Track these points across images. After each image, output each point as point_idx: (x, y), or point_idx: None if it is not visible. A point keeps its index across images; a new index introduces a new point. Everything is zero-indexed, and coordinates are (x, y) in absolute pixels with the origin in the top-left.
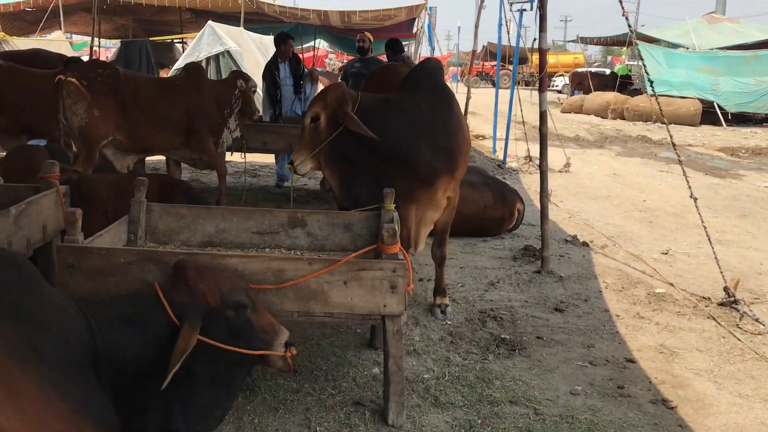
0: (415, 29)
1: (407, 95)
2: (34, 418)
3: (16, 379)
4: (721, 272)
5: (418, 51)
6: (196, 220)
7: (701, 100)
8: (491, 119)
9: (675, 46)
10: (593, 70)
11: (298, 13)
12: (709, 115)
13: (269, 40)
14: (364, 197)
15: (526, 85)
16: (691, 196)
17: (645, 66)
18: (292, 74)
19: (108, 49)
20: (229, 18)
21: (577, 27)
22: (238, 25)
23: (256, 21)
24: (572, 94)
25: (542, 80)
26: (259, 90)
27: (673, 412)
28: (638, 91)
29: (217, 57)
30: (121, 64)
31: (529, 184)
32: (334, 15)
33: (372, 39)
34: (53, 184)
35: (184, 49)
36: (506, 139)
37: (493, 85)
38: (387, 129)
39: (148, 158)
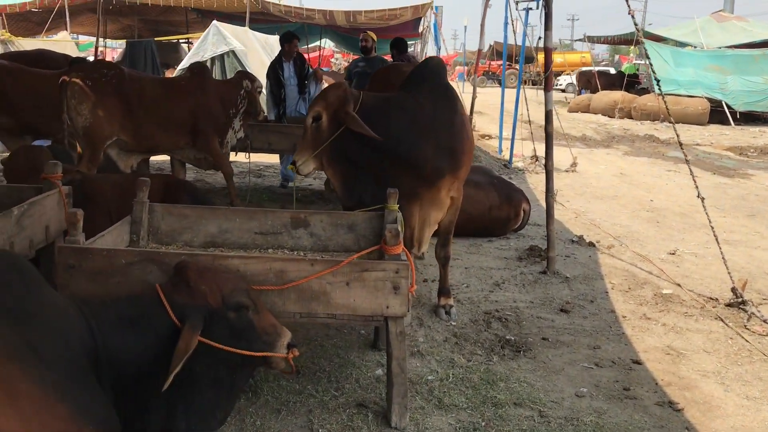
0: (420, 29)
1: (409, 94)
2: (34, 419)
3: (17, 380)
4: (729, 273)
5: (424, 50)
6: (199, 221)
7: (709, 99)
8: (497, 119)
9: (683, 44)
10: (600, 69)
11: (303, 12)
12: (717, 114)
13: (274, 39)
14: (367, 197)
15: (533, 84)
16: (698, 196)
17: (652, 65)
18: (297, 74)
19: (114, 50)
20: (234, 18)
21: (584, 26)
22: (244, 25)
23: (262, 21)
24: (579, 93)
25: (548, 79)
26: (264, 89)
27: (680, 415)
28: (646, 90)
29: (222, 57)
30: (127, 64)
31: (535, 183)
32: (340, 15)
33: (375, 38)
34: (56, 184)
35: (189, 49)
36: (512, 139)
37: (500, 84)
38: (389, 128)
39: (153, 158)
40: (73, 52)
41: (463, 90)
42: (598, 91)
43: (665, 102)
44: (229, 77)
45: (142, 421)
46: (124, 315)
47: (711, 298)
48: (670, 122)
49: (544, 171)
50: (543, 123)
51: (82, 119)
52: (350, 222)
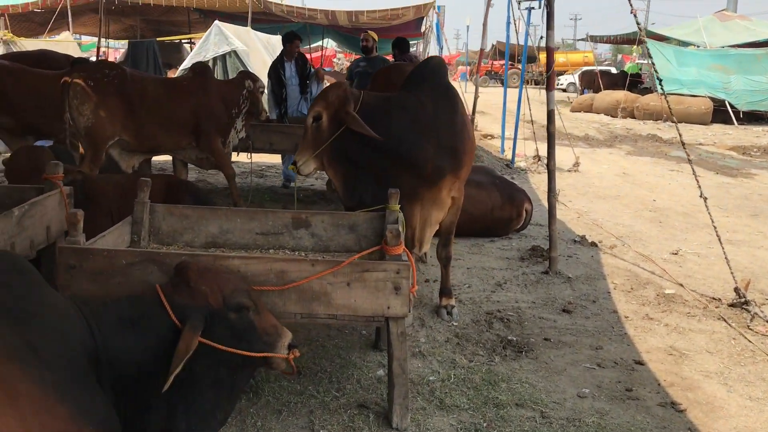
0: (423, 28)
1: (410, 94)
2: (34, 419)
3: (16, 381)
4: (732, 272)
5: (426, 50)
6: (200, 221)
7: (712, 99)
8: (500, 118)
9: (686, 44)
10: (601, 68)
11: (305, 12)
12: (720, 113)
13: (277, 39)
14: (368, 197)
15: (536, 84)
16: (701, 196)
17: (654, 64)
18: (298, 73)
19: (117, 50)
20: (236, 18)
21: (587, 25)
22: (246, 25)
23: (264, 21)
24: (582, 92)
25: (550, 79)
26: (266, 89)
27: (683, 415)
28: (649, 90)
29: (223, 57)
30: (129, 64)
31: (537, 183)
32: (342, 15)
33: (376, 38)
34: (57, 185)
35: (191, 49)
36: (515, 139)
37: (502, 84)
38: (390, 128)
39: (155, 159)
40: (76, 53)
41: (465, 90)
42: (601, 90)
43: (667, 101)
44: (231, 77)
45: (143, 421)
46: (124, 315)
47: (714, 299)
48: (672, 122)
49: (546, 171)
50: (545, 123)
51: (84, 119)
52: (351, 222)
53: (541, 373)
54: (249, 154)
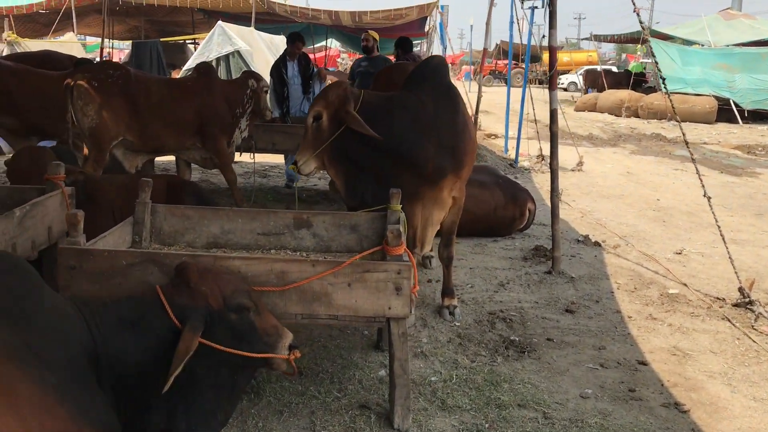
0: (426, 28)
1: (411, 93)
2: (34, 420)
3: (16, 381)
4: (736, 272)
5: (430, 50)
6: (202, 222)
7: (717, 98)
8: (504, 118)
9: (690, 43)
10: (605, 67)
11: (309, 12)
12: (724, 112)
13: (280, 39)
14: (369, 197)
15: (539, 83)
16: (705, 195)
17: (657, 63)
18: (301, 73)
19: (122, 51)
20: (240, 18)
21: (590, 25)
22: (249, 25)
23: (268, 21)
24: (586, 91)
25: (552, 78)
26: None
27: (686, 416)
28: (653, 89)
29: (227, 57)
30: (133, 65)
31: (541, 183)
32: (345, 15)
33: (377, 38)
34: (59, 185)
35: (195, 49)
36: (518, 138)
37: (506, 83)
38: (390, 127)
39: (158, 159)
40: (80, 53)
41: (469, 89)
42: (605, 89)
43: (671, 100)
44: (234, 77)
45: (143, 422)
46: (124, 316)
47: (718, 298)
48: (677, 121)
49: (549, 170)
50: (549, 122)
51: (88, 120)
52: (353, 222)
53: (543, 373)
54: (252, 154)
